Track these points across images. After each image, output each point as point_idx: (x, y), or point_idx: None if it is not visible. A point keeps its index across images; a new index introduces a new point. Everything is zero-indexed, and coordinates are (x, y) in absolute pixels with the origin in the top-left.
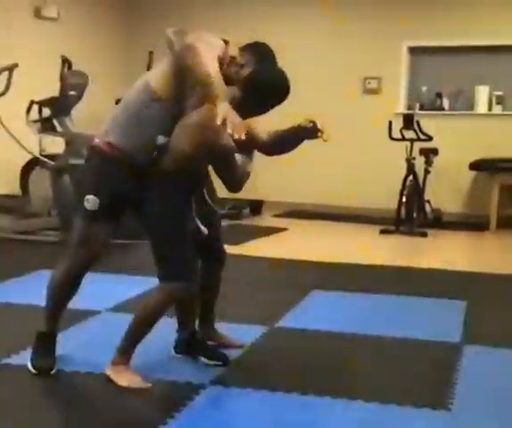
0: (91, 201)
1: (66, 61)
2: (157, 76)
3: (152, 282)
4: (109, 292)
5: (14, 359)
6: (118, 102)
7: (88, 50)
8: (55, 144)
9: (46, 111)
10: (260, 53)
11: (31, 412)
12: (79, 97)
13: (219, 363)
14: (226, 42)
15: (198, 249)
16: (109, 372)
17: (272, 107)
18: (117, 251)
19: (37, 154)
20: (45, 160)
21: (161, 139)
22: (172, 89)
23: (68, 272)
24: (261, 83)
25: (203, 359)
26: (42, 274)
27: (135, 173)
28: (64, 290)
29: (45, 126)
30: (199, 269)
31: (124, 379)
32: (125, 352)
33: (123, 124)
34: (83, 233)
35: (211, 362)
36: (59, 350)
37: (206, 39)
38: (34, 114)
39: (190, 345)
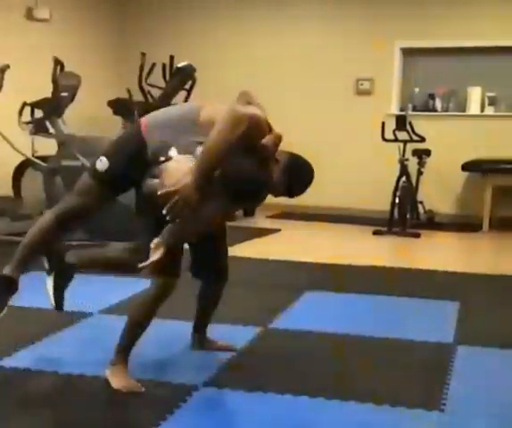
0: (102, 162)
1: (58, 63)
2: (209, 115)
3: (145, 283)
4: (101, 295)
5: (7, 362)
6: (110, 103)
7: (80, 51)
8: (48, 146)
9: (39, 113)
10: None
11: (24, 414)
12: (72, 99)
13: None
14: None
15: (200, 261)
16: (107, 372)
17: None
18: None
19: (30, 156)
20: (38, 161)
21: (173, 151)
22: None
23: (56, 213)
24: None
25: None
26: (34, 275)
27: (147, 162)
28: (45, 232)
29: (38, 127)
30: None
31: (118, 382)
32: (123, 351)
33: (161, 122)
34: (84, 186)
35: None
36: (53, 353)
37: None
38: (26, 116)
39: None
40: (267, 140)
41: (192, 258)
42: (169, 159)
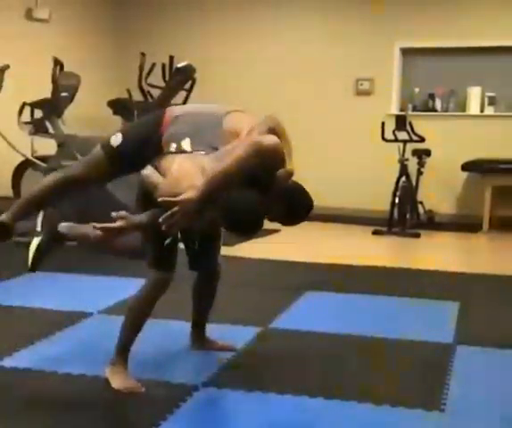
0: (117, 138)
1: (58, 63)
2: (233, 125)
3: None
4: (101, 295)
5: (7, 362)
6: (110, 103)
7: (80, 51)
8: (47, 146)
9: (38, 113)
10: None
11: (24, 414)
12: (71, 99)
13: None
14: None
15: (192, 259)
16: (107, 372)
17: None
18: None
19: (29, 156)
20: (37, 161)
21: (186, 142)
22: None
23: (60, 175)
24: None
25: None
26: (34, 276)
27: (158, 150)
28: (45, 189)
29: (37, 127)
30: (195, 277)
31: (118, 382)
32: (122, 350)
33: (185, 114)
34: (93, 157)
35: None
36: (53, 353)
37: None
38: (26, 116)
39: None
40: (279, 174)
41: (187, 254)
42: (179, 150)
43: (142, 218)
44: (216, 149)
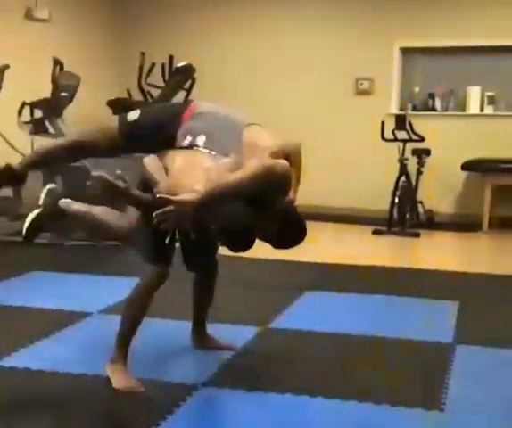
0: (134, 114)
1: (58, 63)
2: (250, 141)
3: None
4: (101, 294)
5: (7, 361)
6: (109, 103)
7: (80, 51)
8: None
9: (38, 113)
10: None
11: (24, 414)
12: (71, 99)
13: None
14: None
15: (189, 260)
16: (107, 370)
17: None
18: (109, 252)
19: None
20: None
21: (201, 138)
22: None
23: (74, 138)
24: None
25: None
26: (34, 275)
27: (170, 140)
28: (57, 147)
29: (37, 127)
30: (194, 275)
31: (118, 381)
32: (121, 347)
33: (208, 113)
34: (108, 127)
35: None
36: (52, 353)
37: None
38: (26, 115)
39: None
40: (281, 199)
41: (183, 256)
42: (192, 145)
43: (148, 196)
44: (227, 155)
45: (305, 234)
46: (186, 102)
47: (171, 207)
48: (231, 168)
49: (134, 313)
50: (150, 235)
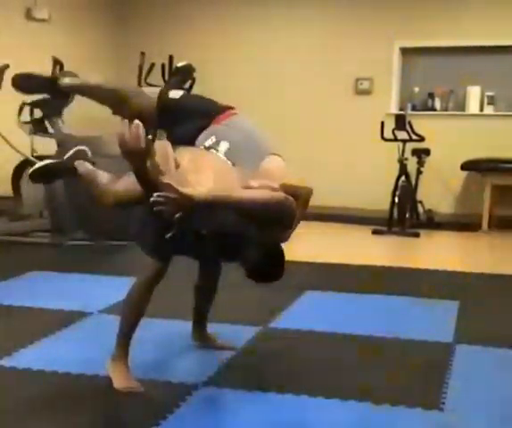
0: (177, 93)
1: (57, 63)
2: (266, 171)
3: None
4: (101, 294)
5: (7, 361)
6: None
7: (79, 51)
8: (47, 146)
9: (38, 113)
10: None
11: (24, 413)
12: (71, 98)
13: None
14: None
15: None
16: (108, 368)
17: None
18: (109, 252)
19: (29, 156)
20: (37, 161)
21: (224, 145)
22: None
23: (120, 88)
24: None
25: None
26: (34, 275)
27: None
28: (94, 85)
29: (37, 127)
30: (198, 272)
31: (119, 381)
32: (122, 344)
33: (240, 128)
34: (146, 97)
35: None
36: (52, 352)
37: None
38: (25, 115)
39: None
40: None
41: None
42: (213, 148)
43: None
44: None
45: (282, 275)
46: (228, 107)
47: (174, 195)
48: (241, 183)
49: (133, 310)
50: (152, 229)
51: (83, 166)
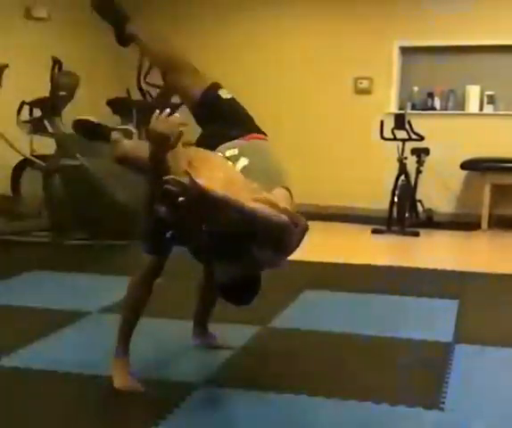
0: (226, 93)
1: (57, 62)
2: (276, 195)
3: None
4: (100, 294)
5: (6, 361)
6: (109, 102)
7: (79, 50)
8: (46, 145)
9: (37, 112)
10: None
11: (23, 414)
12: (70, 98)
13: None
14: None
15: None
16: (111, 367)
17: None
18: (108, 252)
19: (28, 155)
20: (36, 160)
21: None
22: None
23: (175, 53)
24: None
25: None
26: (33, 275)
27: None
28: (157, 47)
29: (36, 126)
30: (203, 272)
31: (119, 380)
32: (122, 341)
33: (261, 153)
34: (199, 83)
35: None
36: (52, 352)
37: None
38: (25, 115)
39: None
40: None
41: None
42: (231, 159)
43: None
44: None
45: (250, 301)
46: (263, 132)
47: (184, 180)
48: (250, 196)
49: (131, 307)
50: (151, 226)
51: (118, 138)
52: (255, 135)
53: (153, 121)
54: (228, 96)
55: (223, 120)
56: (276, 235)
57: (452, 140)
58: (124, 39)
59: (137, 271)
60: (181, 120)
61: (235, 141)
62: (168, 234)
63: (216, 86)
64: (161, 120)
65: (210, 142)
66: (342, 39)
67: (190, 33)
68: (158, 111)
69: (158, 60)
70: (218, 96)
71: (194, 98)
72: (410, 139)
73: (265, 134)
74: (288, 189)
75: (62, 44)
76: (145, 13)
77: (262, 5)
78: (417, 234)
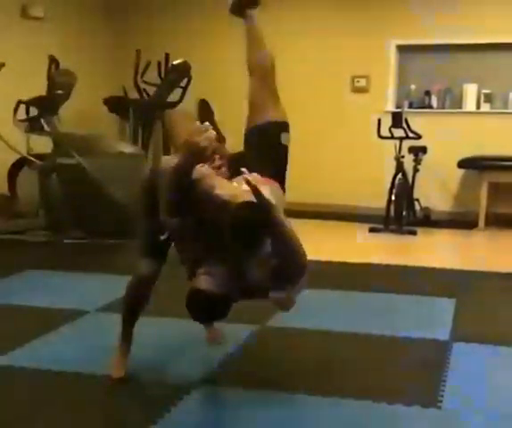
0: (286, 137)
1: (53, 61)
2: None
3: None
4: (97, 293)
5: (3, 360)
6: (105, 101)
7: (75, 49)
8: (43, 144)
9: (34, 111)
10: None
11: (19, 413)
12: (67, 96)
13: None
14: None
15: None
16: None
17: None
18: (105, 251)
19: (25, 154)
20: (33, 159)
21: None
22: None
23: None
24: None
25: None
26: (30, 274)
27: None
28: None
29: (33, 125)
30: None
31: (111, 366)
32: (120, 338)
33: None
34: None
35: None
36: (49, 351)
37: None
38: (21, 114)
39: None
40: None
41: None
42: (243, 173)
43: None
44: None
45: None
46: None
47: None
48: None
49: (128, 308)
50: (147, 230)
51: None
52: (275, 183)
53: (192, 132)
54: (285, 143)
55: (264, 158)
56: (293, 265)
57: (449, 138)
58: (240, 10)
59: (135, 274)
60: (216, 136)
61: (255, 175)
62: (163, 236)
63: (282, 127)
64: (199, 132)
65: (241, 164)
66: (339, 38)
67: (190, 32)
68: (198, 123)
69: (256, 53)
70: (278, 137)
71: (260, 120)
72: (408, 137)
73: (284, 190)
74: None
75: (59, 42)
76: (146, 14)
77: (261, 6)
78: (414, 233)
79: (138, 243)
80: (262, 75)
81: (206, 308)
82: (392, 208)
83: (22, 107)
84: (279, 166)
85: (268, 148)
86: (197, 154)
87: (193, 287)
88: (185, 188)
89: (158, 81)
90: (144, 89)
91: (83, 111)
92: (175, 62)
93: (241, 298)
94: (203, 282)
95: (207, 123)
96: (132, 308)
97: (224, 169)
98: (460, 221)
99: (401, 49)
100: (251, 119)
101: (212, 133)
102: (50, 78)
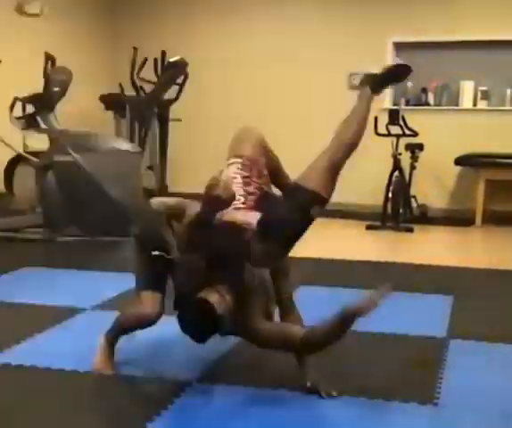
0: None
1: (50, 58)
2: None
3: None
4: (94, 290)
5: (0, 358)
6: (102, 98)
7: (72, 46)
8: (39, 141)
9: (30, 108)
10: None
11: (17, 411)
12: (63, 94)
13: None
14: None
15: None
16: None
17: None
18: (102, 248)
19: (21, 151)
20: (30, 156)
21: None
22: None
23: None
24: None
25: None
26: (26, 271)
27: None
28: None
29: (29, 122)
30: None
31: (95, 360)
32: (112, 330)
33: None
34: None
35: None
36: (45, 349)
37: None
38: (17, 111)
39: None
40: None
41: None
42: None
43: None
44: None
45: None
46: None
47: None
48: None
49: (127, 329)
50: (146, 265)
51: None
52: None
53: (212, 184)
54: (313, 215)
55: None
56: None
57: (446, 135)
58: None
59: (132, 307)
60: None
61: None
62: (154, 253)
63: (319, 200)
64: (218, 183)
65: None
66: (336, 35)
67: (190, 33)
68: (218, 173)
69: (350, 130)
70: (310, 205)
71: (303, 181)
72: (404, 135)
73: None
74: None
75: (55, 39)
76: (143, 11)
77: (258, 5)
78: (411, 230)
79: (139, 276)
80: (343, 149)
81: (202, 322)
82: (389, 205)
83: (19, 104)
84: (291, 235)
85: (293, 210)
86: (217, 207)
87: (201, 297)
88: (205, 235)
89: (154, 78)
90: (141, 86)
91: (79, 108)
92: (171, 59)
93: (228, 334)
94: (215, 298)
95: (225, 172)
96: (129, 331)
97: (253, 198)
98: (457, 218)
99: (398, 46)
100: (302, 176)
101: (230, 183)
102: (46, 75)
